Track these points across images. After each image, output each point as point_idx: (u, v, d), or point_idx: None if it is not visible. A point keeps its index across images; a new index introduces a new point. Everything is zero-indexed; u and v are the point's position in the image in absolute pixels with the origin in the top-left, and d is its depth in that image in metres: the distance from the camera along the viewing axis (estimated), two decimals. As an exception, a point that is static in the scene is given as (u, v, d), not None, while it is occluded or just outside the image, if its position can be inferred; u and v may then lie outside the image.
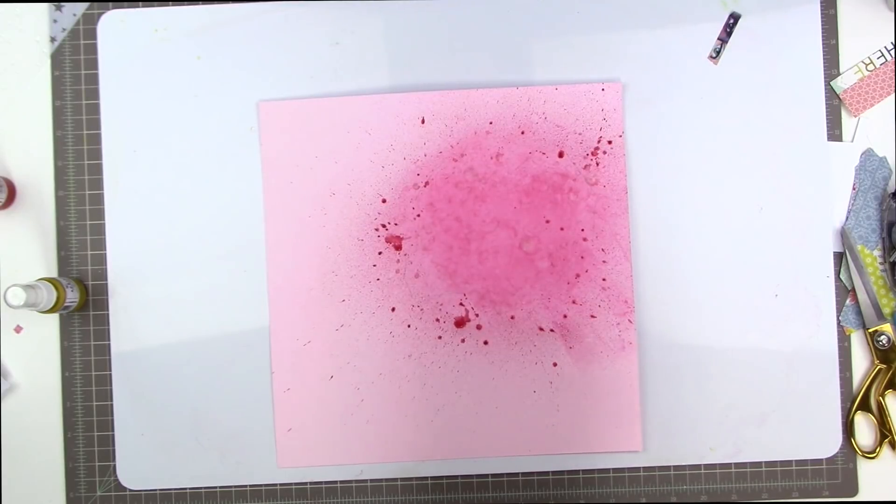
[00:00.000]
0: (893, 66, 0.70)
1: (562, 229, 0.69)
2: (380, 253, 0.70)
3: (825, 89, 0.70)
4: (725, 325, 0.69)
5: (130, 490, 0.70)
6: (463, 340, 0.69)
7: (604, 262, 0.69)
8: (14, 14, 0.72)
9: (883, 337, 0.69)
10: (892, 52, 0.70)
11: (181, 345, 0.70)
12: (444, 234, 0.69)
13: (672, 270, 0.69)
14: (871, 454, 0.69)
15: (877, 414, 0.69)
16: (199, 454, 0.70)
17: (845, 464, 0.70)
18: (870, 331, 0.69)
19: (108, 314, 0.70)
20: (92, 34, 0.71)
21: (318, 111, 0.70)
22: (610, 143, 0.69)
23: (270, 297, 0.70)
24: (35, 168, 0.71)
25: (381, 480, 0.70)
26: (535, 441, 0.69)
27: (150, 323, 0.70)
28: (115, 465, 0.70)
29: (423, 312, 0.69)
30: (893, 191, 0.69)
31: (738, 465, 0.70)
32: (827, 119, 0.70)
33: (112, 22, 0.71)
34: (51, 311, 0.66)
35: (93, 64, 0.71)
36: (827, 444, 0.69)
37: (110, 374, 0.70)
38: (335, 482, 0.70)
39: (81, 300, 0.69)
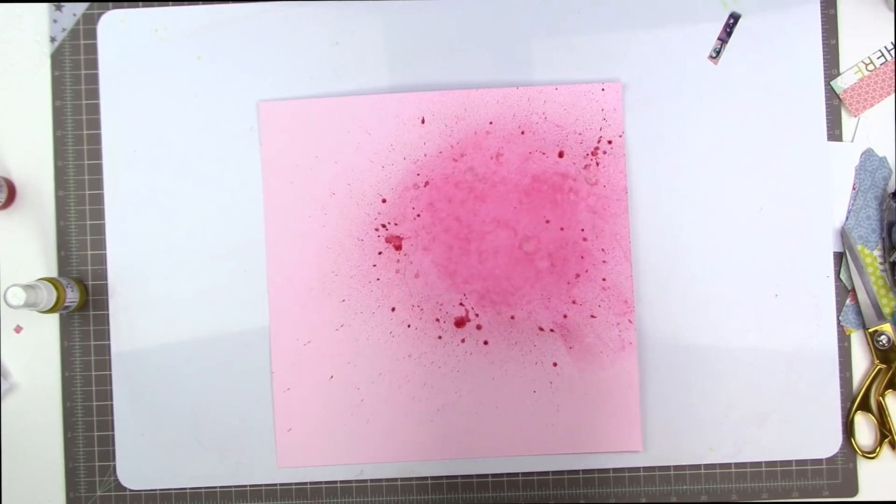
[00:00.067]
0: (893, 66, 0.70)
1: (562, 229, 0.69)
2: (380, 253, 0.70)
3: (825, 89, 0.70)
4: (725, 325, 0.69)
5: (130, 490, 0.70)
6: (463, 340, 0.69)
7: (604, 262, 0.69)
8: (14, 14, 0.72)
9: (883, 337, 0.69)
10: (892, 52, 0.70)
11: (181, 345, 0.70)
12: (444, 234, 0.69)
13: (672, 270, 0.69)
14: (871, 454, 0.69)
15: (877, 414, 0.69)
16: (199, 454, 0.70)
17: (845, 464, 0.70)
18: (870, 331, 0.69)
19: (108, 314, 0.70)
20: (92, 34, 0.71)
21: (318, 111, 0.70)
22: (610, 143, 0.69)
23: (270, 297, 0.70)
24: (35, 168, 0.71)
25: (381, 480, 0.70)
26: (535, 441, 0.69)
27: (150, 323, 0.70)
28: (115, 465, 0.70)
29: (423, 312, 0.69)
30: (893, 191, 0.69)
31: (738, 465, 0.70)
32: (827, 119, 0.70)
33: (112, 22, 0.71)
34: (51, 311, 0.66)
35: (93, 64, 0.71)
36: (827, 444, 0.69)
37: (110, 374, 0.70)
38: (335, 482, 0.70)
39: (81, 300, 0.69)
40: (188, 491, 0.70)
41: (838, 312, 0.70)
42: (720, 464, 0.70)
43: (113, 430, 0.70)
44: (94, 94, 0.71)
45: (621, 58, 0.70)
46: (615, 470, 0.70)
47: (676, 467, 0.70)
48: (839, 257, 0.70)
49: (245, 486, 0.70)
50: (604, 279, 0.69)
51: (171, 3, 0.71)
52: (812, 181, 0.70)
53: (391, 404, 0.69)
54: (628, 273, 0.69)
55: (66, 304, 0.67)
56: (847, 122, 0.70)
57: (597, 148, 0.69)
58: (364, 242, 0.70)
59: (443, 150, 0.69)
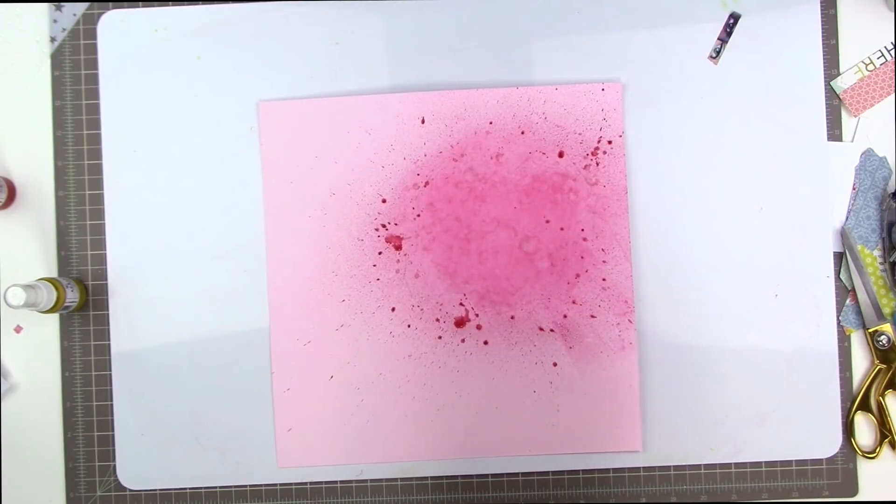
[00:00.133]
0: (893, 66, 0.70)
1: (562, 229, 0.69)
2: (380, 253, 0.70)
3: (825, 89, 0.70)
4: (725, 325, 0.69)
5: (130, 490, 0.70)
6: (463, 340, 0.69)
7: (604, 262, 0.69)
8: (14, 14, 0.72)
9: (883, 337, 0.69)
10: (892, 52, 0.70)
11: (181, 345, 0.70)
12: (444, 234, 0.69)
13: (672, 270, 0.69)
14: (871, 454, 0.69)
15: (877, 414, 0.69)
16: (199, 454, 0.70)
17: (845, 464, 0.70)
18: (870, 331, 0.69)
19: (108, 314, 0.70)
20: (92, 34, 0.71)
21: (318, 111, 0.70)
22: (610, 143, 0.69)
23: (270, 297, 0.70)
24: (35, 168, 0.71)
25: (381, 480, 0.70)
26: (535, 441, 0.69)
27: (150, 323, 0.70)
28: (115, 465, 0.70)
29: (423, 312, 0.69)
30: (893, 191, 0.69)
31: (738, 465, 0.70)
32: (827, 119, 0.70)
33: (112, 22, 0.71)
34: (51, 311, 0.66)
35: (93, 64, 0.71)
36: (827, 444, 0.69)
37: (110, 374, 0.70)
38: (335, 482, 0.70)
39: (81, 300, 0.69)
40: (188, 491, 0.70)
41: (838, 312, 0.70)
42: (720, 464, 0.70)
43: (113, 430, 0.70)
44: (94, 94, 0.71)
45: (621, 58, 0.70)
46: (615, 470, 0.70)
47: (676, 467, 0.70)
48: (839, 257, 0.70)
49: (245, 486, 0.70)
50: (604, 279, 0.69)
51: (171, 3, 0.71)
52: (812, 181, 0.70)
53: (391, 404, 0.69)
54: (628, 273, 0.69)
55: (66, 304, 0.67)
56: (847, 122, 0.70)
57: (597, 148, 0.69)
58: (364, 242, 0.70)
59: (443, 150, 0.69)
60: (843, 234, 0.69)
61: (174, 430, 0.70)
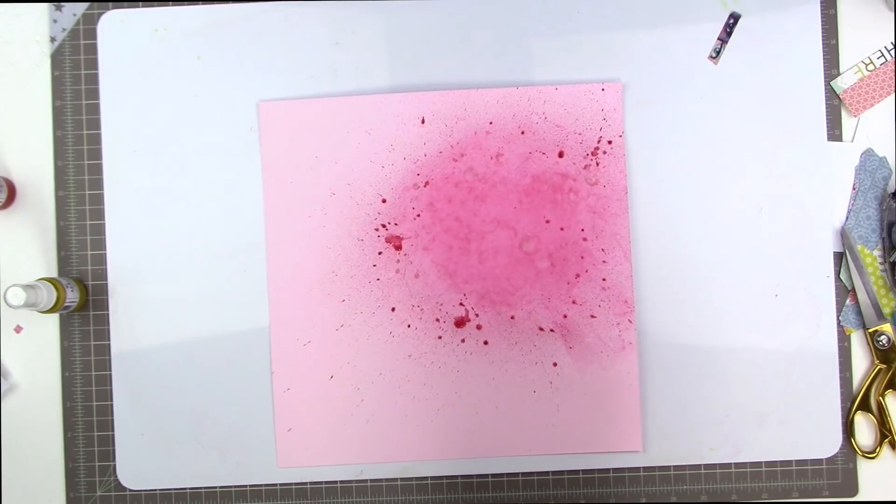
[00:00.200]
0: (893, 66, 0.70)
1: (562, 229, 0.69)
2: (380, 253, 0.70)
3: (825, 89, 0.70)
4: (725, 325, 0.69)
5: (130, 490, 0.70)
6: (463, 340, 0.69)
7: (604, 262, 0.69)
8: (14, 14, 0.72)
9: (883, 337, 0.69)
10: (892, 52, 0.70)
11: (181, 345, 0.70)
12: (444, 234, 0.69)
13: (672, 270, 0.69)
14: (871, 454, 0.69)
15: (877, 414, 0.69)
16: (199, 454, 0.70)
17: (845, 464, 0.70)
18: (870, 331, 0.69)
19: (108, 314, 0.70)
20: (92, 34, 0.71)
21: (318, 111, 0.70)
22: (610, 143, 0.69)
23: (270, 297, 0.70)
24: (35, 168, 0.71)
25: (381, 480, 0.70)
26: (535, 441, 0.69)
27: (150, 323, 0.70)
28: (115, 465, 0.70)
29: (423, 312, 0.69)
30: (893, 191, 0.69)
31: (738, 465, 0.70)
32: (827, 119, 0.70)
33: (112, 22, 0.71)
34: (51, 311, 0.66)
35: (93, 64, 0.71)
36: (827, 444, 0.69)
37: (110, 374, 0.70)
38: (335, 482, 0.70)
39: (81, 300, 0.69)
40: (188, 491, 0.70)
41: (838, 312, 0.70)
42: (720, 464, 0.70)
43: (113, 430, 0.70)
44: (94, 94, 0.71)
45: (621, 58, 0.70)
46: (615, 470, 0.70)
47: (676, 467, 0.70)
48: (839, 257, 0.70)
49: (245, 486, 0.70)
50: (604, 279, 0.69)
51: (171, 3, 0.71)
52: (812, 181, 0.70)
53: (391, 404, 0.69)
54: (628, 273, 0.69)
55: (66, 304, 0.67)
56: (847, 122, 0.70)
57: (597, 148, 0.69)
58: (364, 242, 0.70)
59: (443, 150, 0.69)
60: (843, 234, 0.69)
61: (174, 430, 0.70)
